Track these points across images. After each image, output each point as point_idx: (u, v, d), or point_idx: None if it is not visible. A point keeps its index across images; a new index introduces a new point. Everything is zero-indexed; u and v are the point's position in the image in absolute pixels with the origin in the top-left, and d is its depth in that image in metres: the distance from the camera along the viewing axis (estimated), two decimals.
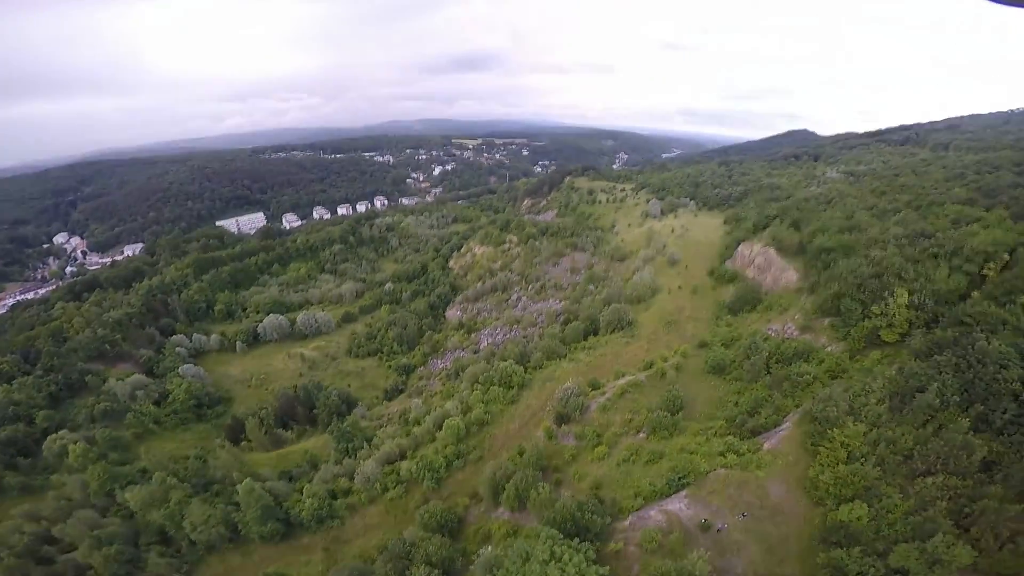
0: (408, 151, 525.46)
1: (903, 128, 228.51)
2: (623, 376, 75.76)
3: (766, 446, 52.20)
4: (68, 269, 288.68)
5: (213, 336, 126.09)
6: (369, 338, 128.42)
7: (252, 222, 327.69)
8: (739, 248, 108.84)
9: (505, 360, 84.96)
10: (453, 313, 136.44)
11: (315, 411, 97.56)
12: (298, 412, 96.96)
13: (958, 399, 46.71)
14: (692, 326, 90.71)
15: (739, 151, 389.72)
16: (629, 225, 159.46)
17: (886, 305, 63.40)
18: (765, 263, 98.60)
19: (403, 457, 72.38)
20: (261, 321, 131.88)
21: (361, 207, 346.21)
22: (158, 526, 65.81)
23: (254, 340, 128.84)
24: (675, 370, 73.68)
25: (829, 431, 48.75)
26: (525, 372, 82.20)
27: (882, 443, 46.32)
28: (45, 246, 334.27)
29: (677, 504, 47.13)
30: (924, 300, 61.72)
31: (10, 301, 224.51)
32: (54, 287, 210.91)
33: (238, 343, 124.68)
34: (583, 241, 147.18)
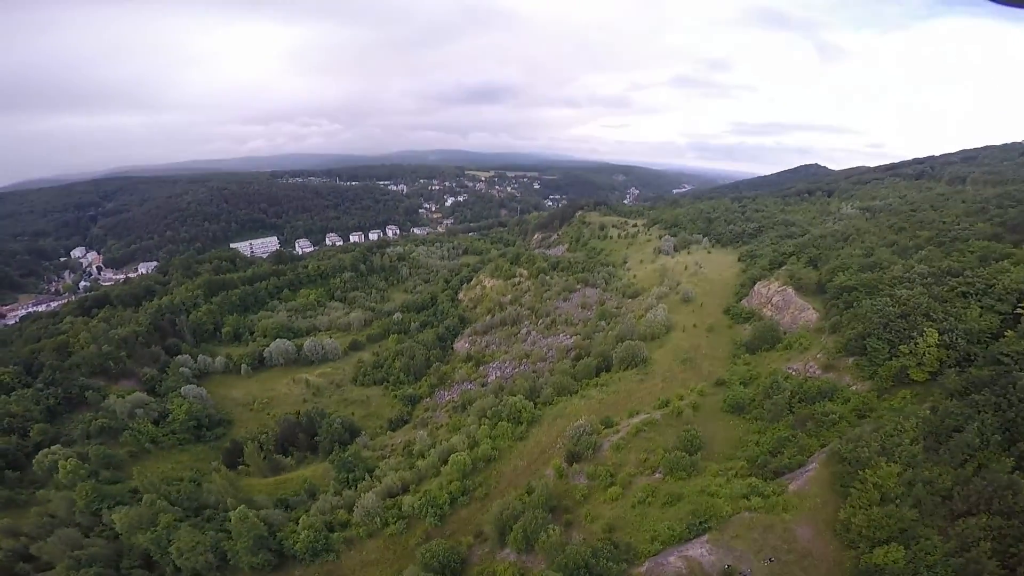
0: (422, 181, 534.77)
1: (917, 161, 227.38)
2: (637, 414, 73.17)
3: (792, 487, 49.66)
4: (82, 284, 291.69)
5: (218, 358, 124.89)
6: (376, 367, 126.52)
7: (265, 246, 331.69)
8: (756, 287, 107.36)
9: (514, 395, 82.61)
10: (461, 345, 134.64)
11: (317, 438, 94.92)
12: (299, 439, 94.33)
13: (999, 438, 45.11)
14: (708, 364, 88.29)
15: (751, 187, 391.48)
16: (641, 261, 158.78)
17: (915, 344, 61.73)
18: (783, 302, 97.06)
19: (405, 491, 69.37)
20: (268, 345, 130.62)
21: (373, 235, 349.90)
22: (143, 550, 62.82)
23: (260, 364, 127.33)
24: (692, 409, 70.99)
25: (860, 472, 46.78)
26: (535, 408, 79.61)
27: (919, 484, 44.35)
28: (62, 259, 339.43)
29: (698, 549, 44.16)
30: (956, 340, 59.88)
31: (22, 312, 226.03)
32: (66, 301, 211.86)
33: (243, 366, 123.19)
34: (594, 277, 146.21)
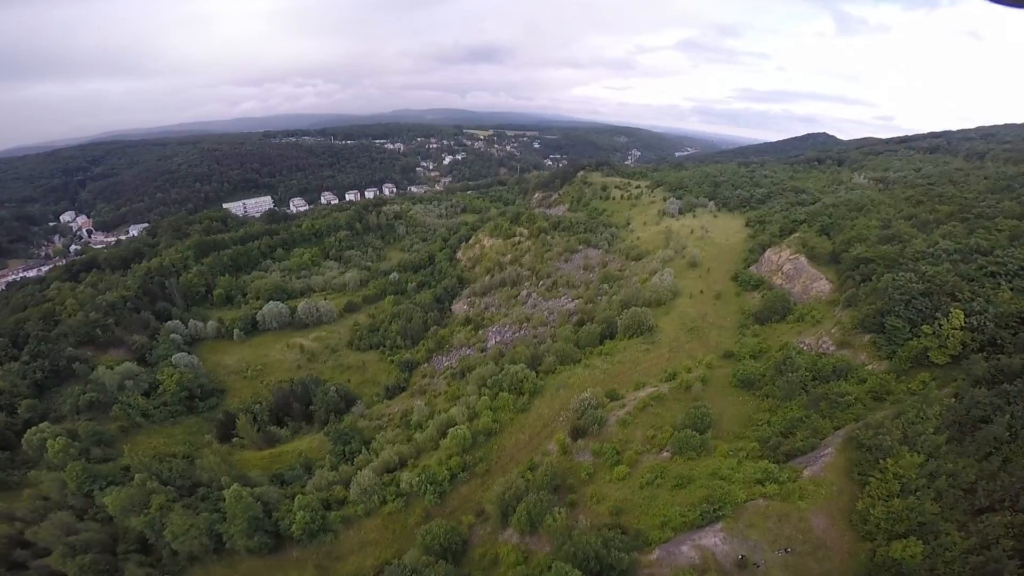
0: (419, 139, 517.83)
1: (933, 135, 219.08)
2: (644, 387, 70.55)
3: (807, 473, 47.48)
4: (72, 247, 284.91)
5: (210, 323, 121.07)
6: (372, 330, 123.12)
7: (259, 205, 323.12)
8: (766, 253, 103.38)
9: (516, 363, 79.50)
10: (460, 307, 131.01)
11: (312, 407, 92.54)
12: (294, 408, 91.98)
13: None
14: (716, 334, 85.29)
15: (757, 152, 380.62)
16: (645, 223, 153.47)
17: (939, 325, 58.05)
18: (794, 271, 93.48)
19: (403, 465, 67.30)
20: (261, 308, 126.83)
21: (370, 194, 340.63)
22: (138, 533, 60.91)
23: (252, 328, 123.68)
24: (701, 383, 68.20)
25: (881, 460, 44.79)
26: (537, 377, 76.73)
27: (942, 476, 42.27)
28: (51, 224, 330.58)
29: (712, 538, 42.04)
30: (984, 323, 56.13)
31: (13, 278, 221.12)
32: (53, 266, 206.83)
33: (236, 331, 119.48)
34: (597, 238, 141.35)
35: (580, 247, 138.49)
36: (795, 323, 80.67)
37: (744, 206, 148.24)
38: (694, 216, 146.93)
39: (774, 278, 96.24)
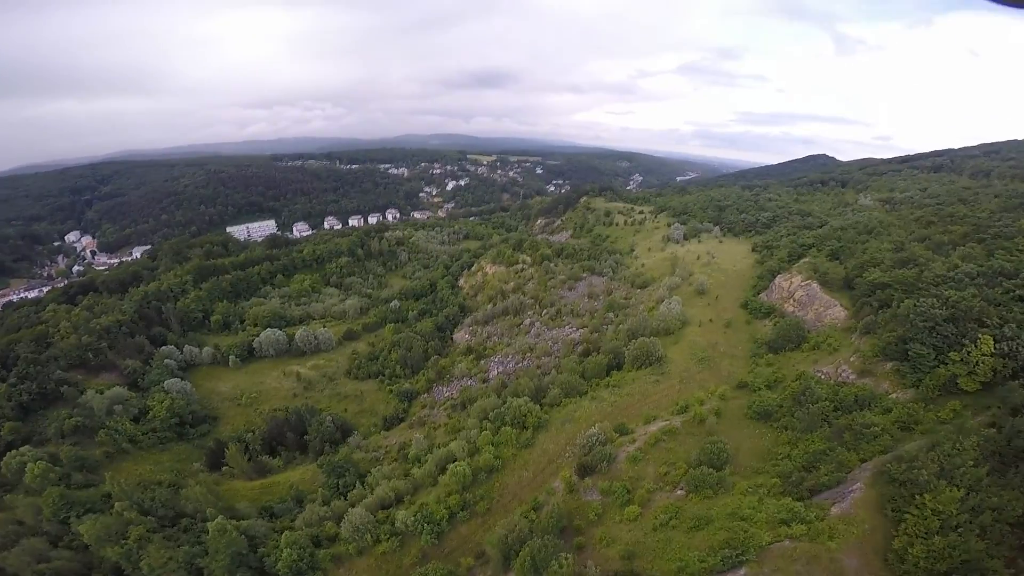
0: (423, 164, 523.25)
1: (935, 154, 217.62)
2: (654, 420, 67.16)
3: (835, 510, 44.20)
4: (75, 268, 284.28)
5: (206, 349, 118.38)
6: (371, 359, 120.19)
7: (262, 229, 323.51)
8: (776, 280, 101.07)
9: (519, 396, 76.33)
10: (461, 336, 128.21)
11: (307, 437, 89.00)
12: (288, 438, 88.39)
13: None
14: (728, 364, 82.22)
15: (759, 175, 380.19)
16: (649, 249, 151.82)
17: (967, 352, 55.36)
18: (807, 298, 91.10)
19: (399, 502, 63.73)
20: (258, 335, 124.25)
21: (373, 219, 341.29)
22: (113, 563, 57.26)
23: (249, 355, 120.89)
24: (715, 416, 64.93)
25: (917, 496, 41.79)
26: (541, 410, 73.43)
27: (985, 511, 39.43)
28: (56, 244, 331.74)
29: None
30: (1017, 348, 53.48)
31: (13, 298, 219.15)
32: (51, 288, 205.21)
33: (231, 357, 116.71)
34: (601, 265, 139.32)
35: (584, 275, 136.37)
36: (811, 351, 77.68)
37: (750, 231, 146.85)
38: (699, 242, 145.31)
39: (785, 305, 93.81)
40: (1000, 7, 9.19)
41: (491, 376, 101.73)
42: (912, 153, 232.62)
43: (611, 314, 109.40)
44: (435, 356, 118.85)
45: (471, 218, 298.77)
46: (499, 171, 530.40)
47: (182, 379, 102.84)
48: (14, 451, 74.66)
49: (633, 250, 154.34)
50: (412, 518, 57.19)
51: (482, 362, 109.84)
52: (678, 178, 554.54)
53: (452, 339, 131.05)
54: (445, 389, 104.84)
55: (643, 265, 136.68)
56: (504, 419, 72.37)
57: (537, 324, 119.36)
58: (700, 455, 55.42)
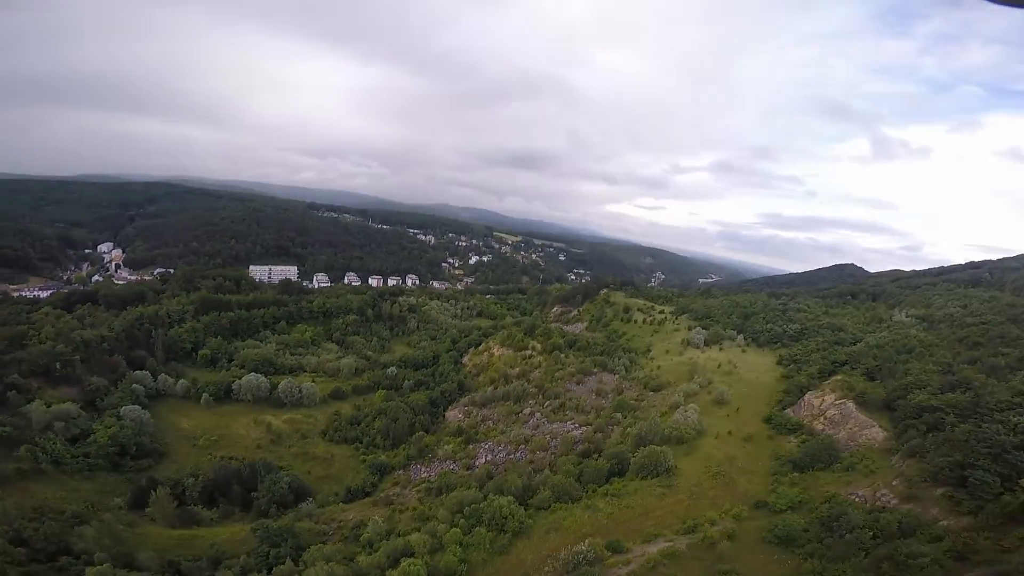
0: (450, 235, 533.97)
1: (971, 265, 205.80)
2: (655, 539, 56.71)
3: None
4: (95, 278, 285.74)
5: (181, 382, 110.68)
6: (352, 423, 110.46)
7: (284, 273, 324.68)
8: (806, 396, 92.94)
9: (504, 494, 65.83)
10: (454, 415, 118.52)
11: (254, 494, 78.35)
12: (233, 490, 77.77)
13: None
14: (746, 481, 71.94)
15: (784, 283, 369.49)
16: (667, 352, 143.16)
17: None
18: (840, 416, 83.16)
19: None
20: (241, 378, 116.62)
21: (392, 281, 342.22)
22: None
23: (225, 396, 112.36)
24: (728, 539, 54.45)
25: None
26: (525, 513, 62.72)
27: None
28: (87, 251, 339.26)
29: None
30: None
31: (25, 294, 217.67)
32: (55, 291, 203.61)
33: (204, 395, 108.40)
34: (614, 362, 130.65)
35: (595, 369, 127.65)
36: (843, 472, 68.72)
37: (776, 342, 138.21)
38: (721, 349, 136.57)
39: (815, 423, 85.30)
40: (999, 7, 8.56)
41: (477, 463, 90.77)
42: (945, 264, 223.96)
43: (619, 415, 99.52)
44: (421, 432, 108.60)
45: (488, 295, 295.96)
46: (522, 252, 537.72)
47: (143, 408, 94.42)
48: None
49: (650, 350, 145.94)
50: None
51: (471, 446, 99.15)
52: (701, 280, 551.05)
53: (444, 416, 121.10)
54: (424, 469, 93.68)
55: (659, 367, 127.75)
56: (481, 517, 61.61)
57: (538, 415, 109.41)
58: None
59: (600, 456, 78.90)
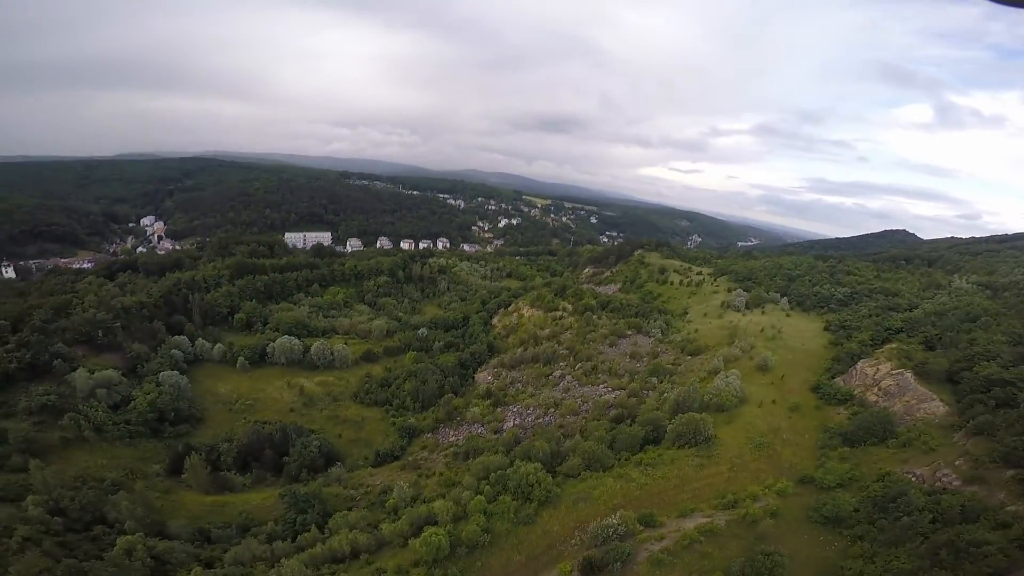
0: (480, 199, 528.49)
1: None
2: (691, 514, 53.30)
3: None
4: (139, 249, 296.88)
5: (217, 346, 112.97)
6: (383, 385, 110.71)
7: (319, 239, 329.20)
8: (858, 365, 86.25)
9: (531, 460, 63.64)
10: (483, 377, 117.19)
11: (286, 458, 79.32)
12: (265, 455, 79.13)
13: None
14: (791, 454, 67.35)
15: (830, 247, 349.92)
16: (705, 315, 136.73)
17: None
18: (897, 388, 76.45)
19: (355, 557, 51.77)
20: (275, 340, 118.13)
21: (423, 244, 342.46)
22: None
23: (260, 359, 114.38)
24: (771, 517, 50.68)
25: None
26: (552, 480, 60.46)
27: None
28: (131, 225, 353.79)
29: None
30: None
31: (77, 266, 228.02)
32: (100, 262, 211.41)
33: (240, 359, 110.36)
34: (649, 324, 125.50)
35: (629, 332, 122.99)
36: (898, 449, 63.17)
37: (822, 306, 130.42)
38: (763, 312, 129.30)
39: (868, 394, 78.85)
40: (1000, 7, 8.71)
41: (505, 427, 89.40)
42: (1010, 232, 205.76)
43: (655, 379, 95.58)
44: (450, 394, 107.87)
45: (517, 257, 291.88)
46: (552, 215, 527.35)
47: (182, 373, 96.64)
48: None
49: (687, 313, 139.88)
50: None
51: (499, 409, 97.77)
52: (739, 243, 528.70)
53: (473, 378, 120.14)
54: (452, 432, 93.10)
55: (696, 331, 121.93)
56: (506, 484, 59.76)
57: (568, 378, 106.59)
58: (745, 567, 42.03)
59: (634, 422, 75.45)
